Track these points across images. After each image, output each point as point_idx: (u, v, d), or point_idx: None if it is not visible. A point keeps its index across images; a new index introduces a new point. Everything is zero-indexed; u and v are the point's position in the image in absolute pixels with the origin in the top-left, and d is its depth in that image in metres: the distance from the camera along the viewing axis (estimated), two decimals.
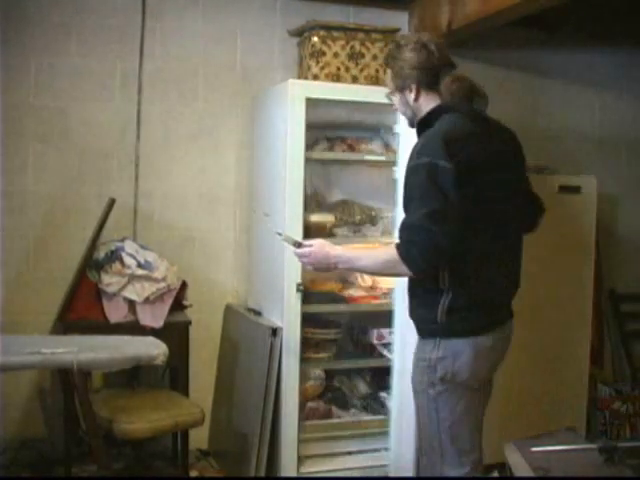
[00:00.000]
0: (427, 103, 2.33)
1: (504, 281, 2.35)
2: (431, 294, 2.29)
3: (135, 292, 3.23)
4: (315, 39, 3.40)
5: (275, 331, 3.21)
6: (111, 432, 2.81)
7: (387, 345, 3.55)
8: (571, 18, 3.89)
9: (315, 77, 3.39)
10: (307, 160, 3.25)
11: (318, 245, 2.38)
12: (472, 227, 2.20)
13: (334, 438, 3.46)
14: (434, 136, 2.23)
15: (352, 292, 3.59)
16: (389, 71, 2.36)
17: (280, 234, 2.60)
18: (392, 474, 3.29)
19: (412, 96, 2.32)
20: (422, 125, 2.35)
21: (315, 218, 3.42)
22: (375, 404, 3.57)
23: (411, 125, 2.42)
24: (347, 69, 3.43)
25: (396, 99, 2.38)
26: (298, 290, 3.18)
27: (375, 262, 2.33)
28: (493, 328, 2.30)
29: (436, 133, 2.25)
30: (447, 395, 2.30)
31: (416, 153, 2.22)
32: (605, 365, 4.35)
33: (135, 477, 3.21)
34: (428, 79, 2.29)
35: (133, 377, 3.37)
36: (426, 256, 2.15)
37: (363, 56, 3.45)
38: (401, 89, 2.34)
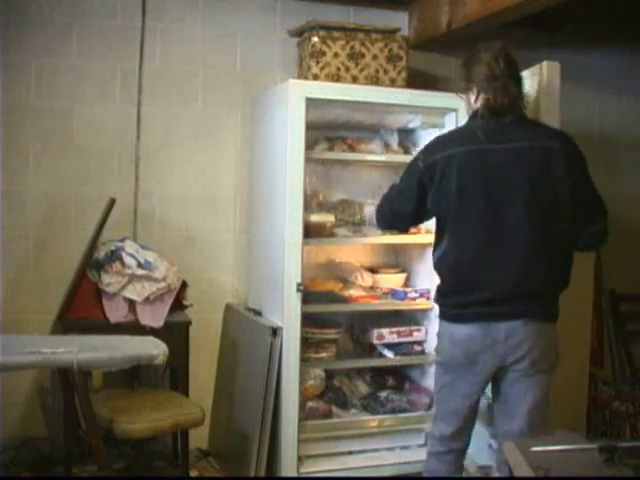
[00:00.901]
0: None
1: (493, 281, 2.45)
2: None
3: (135, 292, 3.23)
4: (315, 39, 3.40)
5: (275, 331, 3.21)
6: (111, 432, 2.81)
7: (387, 345, 3.57)
8: (571, 18, 3.90)
9: (315, 77, 3.39)
10: (307, 160, 3.25)
11: None
12: (444, 221, 2.52)
13: (334, 438, 3.46)
14: (432, 139, 2.71)
15: (352, 292, 3.59)
16: (463, 72, 2.61)
17: None
18: None
19: (473, 98, 2.58)
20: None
21: (315, 218, 3.42)
22: (375, 404, 3.57)
23: None
24: (347, 69, 3.43)
25: (464, 98, 2.66)
26: (298, 290, 3.18)
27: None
28: (471, 321, 2.48)
29: (434, 137, 2.75)
30: (438, 367, 2.70)
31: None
32: (605, 365, 4.35)
33: (135, 477, 3.21)
34: (487, 86, 2.49)
35: (133, 377, 3.37)
36: (380, 218, 2.79)
37: (363, 56, 3.45)
38: (466, 90, 2.61)
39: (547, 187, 2.43)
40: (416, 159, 2.59)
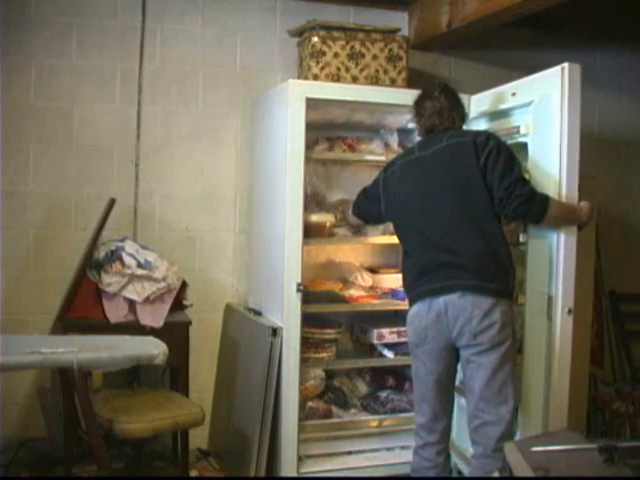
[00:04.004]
0: None
1: (430, 257, 2.73)
2: None
3: (135, 292, 3.23)
4: (315, 39, 3.40)
5: (275, 331, 3.21)
6: (111, 432, 2.81)
7: (387, 345, 3.57)
8: (571, 18, 3.90)
9: (315, 77, 3.39)
10: (307, 160, 3.25)
11: None
12: (392, 213, 2.95)
13: (334, 438, 3.47)
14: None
15: (352, 292, 3.59)
16: (415, 107, 2.99)
17: None
18: None
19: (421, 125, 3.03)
20: None
21: (315, 218, 3.42)
22: (375, 404, 3.57)
23: None
24: (347, 69, 3.43)
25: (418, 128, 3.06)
26: (298, 290, 3.18)
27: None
28: (416, 300, 2.77)
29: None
30: (411, 356, 2.90)
31: None
32: (605, 365, 4.35)
33: (135, 477, 3.21)
34: (429, 115, 2.95)
35: (133, 377, 3.37)
36: (352, 208, 3.24)
37: (363, 56, 3.45)
38: (418, 121, 3.00)
39: (462, 174, 2.72)
40: (380, 172, 3.05)
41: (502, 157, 2.69)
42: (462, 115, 2.93)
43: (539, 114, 2.91)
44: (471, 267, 2.67)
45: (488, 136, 2.78)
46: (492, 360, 2.64)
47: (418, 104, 2.94)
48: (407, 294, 2.88)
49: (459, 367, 2.82)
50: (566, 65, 2.79)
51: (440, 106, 2.86)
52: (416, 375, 2.84)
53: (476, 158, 2.69)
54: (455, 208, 2.72)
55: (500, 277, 2.70)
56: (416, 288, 2.79)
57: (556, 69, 2.82)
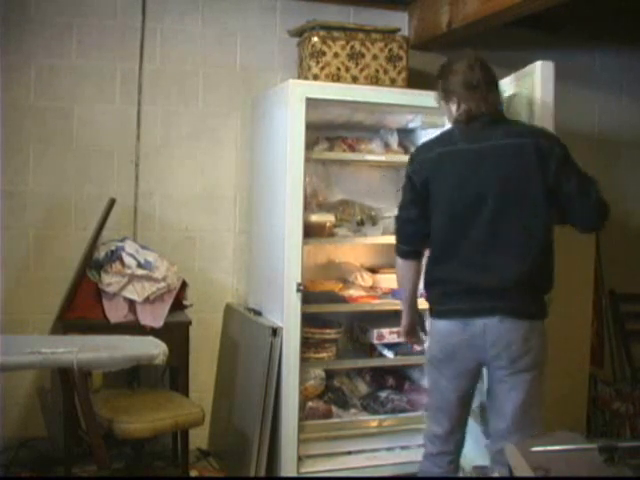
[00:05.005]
0: None
1: (468, 275, 2.49)
2: None
3: (135, 292, 3.23)
4: (315, 39, 3.40)
5: (275, 331, 3.21)
6: (111, 432, 2.81)
7: (387, 345, 3.57)
8: (571, 18, 3.90)
9: (315, 77, 3.39)
10: (307, 160, 3.25)
11: None
12: (429, 216, 2.57)
13: (334, 438, 3.46)
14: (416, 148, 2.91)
15: (352, 292, 3.59)
16: (440, 81, 2.64)
17: None
18: None
19: (454, 108, 2.59)
20: None
21: (315, 218, 3.42)
22: (375, 404, 3.57)
23: None
24: (347, 69, 3.43)
25: (442, 106, 2.69)
26: (298, 290, 3.18)
27: (396, 270, 2.89)
28: (451, 317, 2.53)
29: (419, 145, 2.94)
30: (427, 365, 2.77)
31: None
32: (605, 365, 4.35)
33: (135, 477, 3.21)
34: (467, 96, 2.54)
35: (133, 377, 3.37)
36: (397, 237, 2.75)
37: (363, 56, 3.45)
38: (446, 100, 2.63)
39: (519, 184, 2.46)
40: (406, 171, 2.67)
41: (574, 167, 2.48)
42: (500, 96, 2.60)
43: (514, 113, 2.87)
44: (510, 288, 2.46)
45: (549, 138, 2.53)
46: (527, 382, 2.50)
47: (454, 84, 2.56)
48: (433, 305, 2.64)
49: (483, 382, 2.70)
50: (538, 63, 2.79)
51: (486, 88, 2.51)
52: (435, 386, 2.68)
53: (540, 165, 2.44)
54: (504, 217, 2.46)
55: (539, 297, 2.54)
56: (446, 303, 2.55)
57: (529, 67, 2.83)
